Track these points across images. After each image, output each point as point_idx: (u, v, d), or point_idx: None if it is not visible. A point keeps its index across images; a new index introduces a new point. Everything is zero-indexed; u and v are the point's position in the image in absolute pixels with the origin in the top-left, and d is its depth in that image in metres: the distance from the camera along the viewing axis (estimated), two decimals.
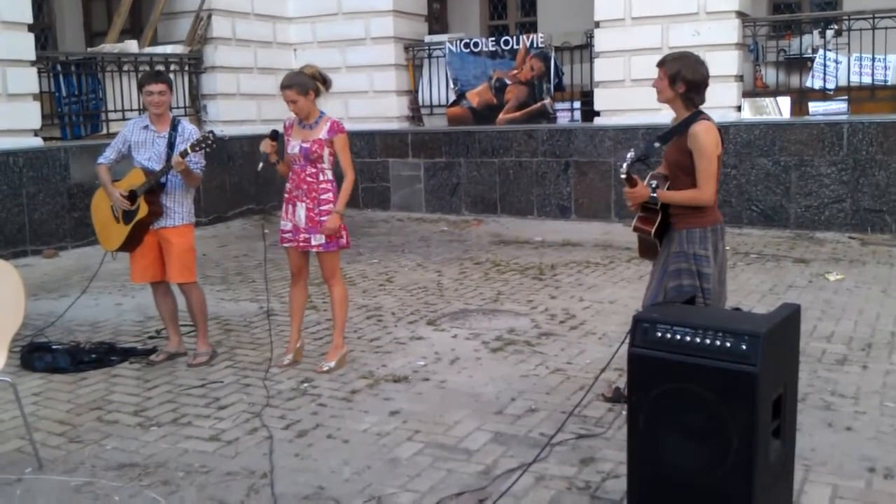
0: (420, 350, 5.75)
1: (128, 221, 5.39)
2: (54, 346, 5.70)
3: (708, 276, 4.21)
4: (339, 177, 5.27)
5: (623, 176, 4.22)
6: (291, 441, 4.26)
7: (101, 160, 5.50)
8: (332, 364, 5.31)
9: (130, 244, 5.46)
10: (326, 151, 5.17)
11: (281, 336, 6.13)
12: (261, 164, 5.28)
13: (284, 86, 5.13)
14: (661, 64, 4.26)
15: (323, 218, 5.16)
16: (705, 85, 4.24)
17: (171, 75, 11.33)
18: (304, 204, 5.18)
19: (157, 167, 5.31)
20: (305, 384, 5.10)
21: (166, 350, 5.66)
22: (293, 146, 5.19)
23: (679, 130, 4.21)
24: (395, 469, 3.92)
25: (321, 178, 5.20)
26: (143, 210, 5.32)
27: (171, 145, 5.36)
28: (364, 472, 3.90)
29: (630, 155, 4.26)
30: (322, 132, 5.17)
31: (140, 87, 5.47)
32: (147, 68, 10.89)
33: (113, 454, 4.15)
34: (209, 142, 5.27)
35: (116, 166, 5.52)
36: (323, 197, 5.19)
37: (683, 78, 4.16)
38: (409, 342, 5.94)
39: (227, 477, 3.87)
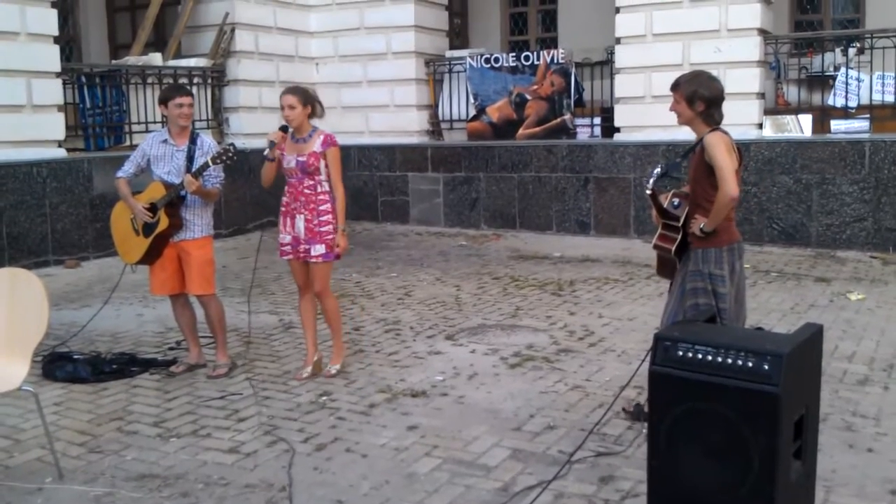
0: (438, 365, 5.75)
1: (148, 234, 5.42)
2: (75, 356, 5.74)
3: (723, 295, 4.21)
4: None
5: (648, 192, 4.27)
6: (310, 454, 4.27)
7: (119, 174, 5.56)
8: (338, 367, 5.52)
9: (150, 257, 5.49)
10: (322, 164, 5.25)
11: (300, 349, 6.14)
12: (267, 150, 5.25)
13: (289, 91, 5.24)
14: (675, 87, 4.29)
15: (322, 228, 5.25)
16: (722, 99, 4.28)
17: (195, 88, 11.46)
18: (302, 216, 5.26)
19: (177, 181, 5.34)
20: (324, 397, 5.11)
21: (186, 361, 5.69)
22: (289, 160, 5.27)
23: (693, 149, 4.29)
24: (413, 484, 3.92)
25: (318, 189, 5.27)
26: (164, 223, 5.36)
27: (190, 159, 5.39)
28: (382, 486, 3.90)
29: (657, 171, 4.30)
30: (316, 145, 5.25)
31: (164, 101, 5.46)
32: (171, 81, 10.99)
33: (133, 465, 4.18)
34: (230, 154, 5.31)
35: (135, 179, 5.57)
36: (321, 208, 5.27)
37: (701, 96, 4.19)
38: (428, 357, 5.95)
39: (246, 489, 3.89)
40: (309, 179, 5.25)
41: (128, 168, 5.55)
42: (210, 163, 5.27)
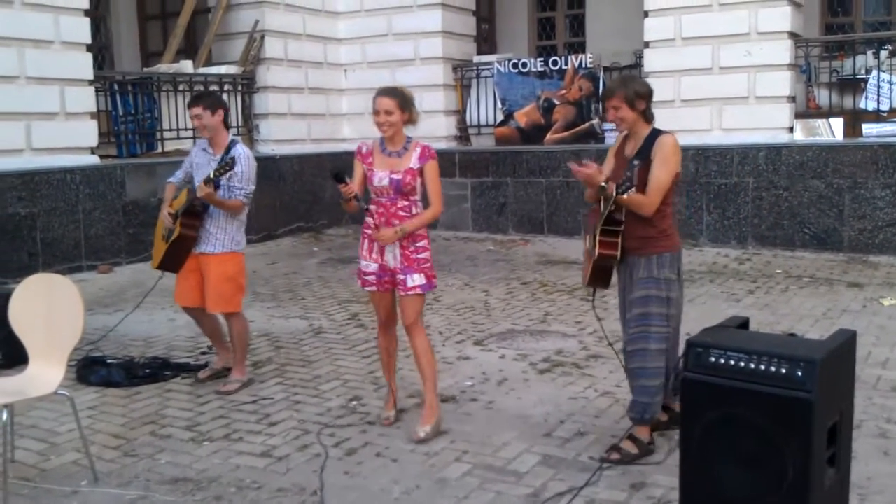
0: (467, 370, 5.76)
1: (167, 241, 5.40)
2: (109, 361, 5.81)
3: (674, 300, 4.19)
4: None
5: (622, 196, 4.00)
6: (341, 459, 4.29)
7: (169, 179, 5.61)
8: (428, 430, 4.52)
9: (168, 264, 5.44)
10: (419, 181, 4.50)
11: (330, 354, 6.18)
12: (365, 207, 4.53)
13: (384, 93, 4.50)
14: (609, 95, 4.25)
15: (420, 255, 4.51)
16: (653, 93, 4.34)
17: (225, 95, 11.55)
18: (396, 242, 4.51)
19: None
20: (354, 402, 5.14)
21: (213, 367, 5.67)
22: (381, 178, 4.47)
23: (647, 149, 4.19)
24: (443, 490, 3.93)
25: (414, 210, 4.51)
26: (177, 231, 5.30)
27: None
28: (413, 491, 3.91)
29: (628, 178, 4.04)
30: (412, 160, 4.48)
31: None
32: (202, 88, 11.11)
33: (166, 468, 4.23)
34: (226, 169, 5.15)
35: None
36: (418, 233, 4.53)
37: (640, 94, 4.21)
38: (457, 362, 5.95)
39: (279, 493, 3.92)
40: (403, 200, 4.48)
41: (178, 174, 5.58)
42: (213, 175, 5.14)
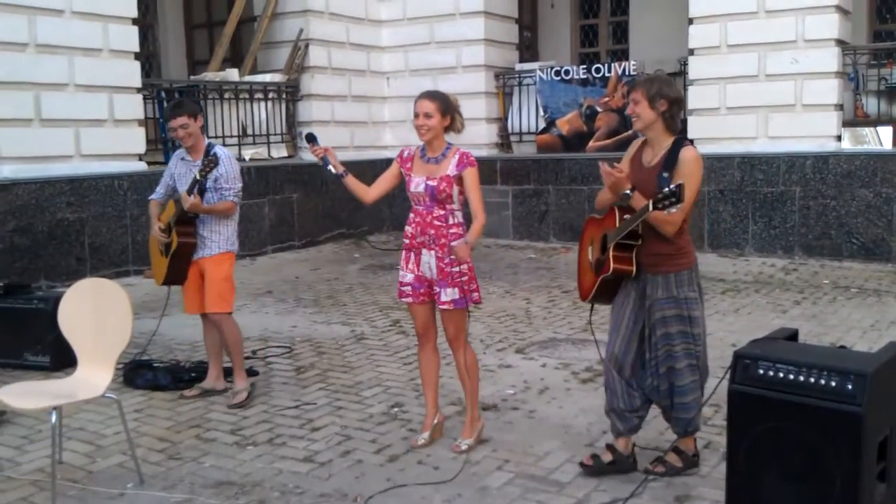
0: (509, 378, 5.74)
1: (167, 255, 5.37)
2: (155, 364, 5.89)
3: (697, 318, 3.99)
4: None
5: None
6: (382, 465, 4.31)
7: (151, 196, 5.55)
8: (471, 442, 4.51)
9: (173, 277, 5.40)
10: (456, 190, 4.33)
11: (372, 360, 6.21)
12: (331, 170, 4.56)
13: (426, 95, 4.37)
14: (632, 88, 4.01)
15: (455, 269, 4.32)
16: (682, 103, 4.01)
17: (270, 103, 11.67)
18: (432, 252, 4.35)
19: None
20: (396, 409, 5.15)
21: (201, 386, 5.53)
22: (417, 184, 4.36)
23: (673, 160, 3.90)
24: (485, 498, 3.92)
25: (451, 220, 4.36)
26: (175, 242, 5.28)
27: None
28: (455, 499, 3.91)
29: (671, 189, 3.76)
30: (450, 167, 4.33)
31: (166, 121, 5.32)
32: (247, 96, 11.24)
33: (211, 472, 4.27)
34: (211, 167, 5.11)
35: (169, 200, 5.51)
36: (455, 244, 4.33)
37: (665, 95, 3.90)
38: (498, 370, 5.94)
39: (321, 498, 3.94)
40: (439, 209, 4.34)
41: (158, 190, 5.51)
42: (198, 176, 5.11)
